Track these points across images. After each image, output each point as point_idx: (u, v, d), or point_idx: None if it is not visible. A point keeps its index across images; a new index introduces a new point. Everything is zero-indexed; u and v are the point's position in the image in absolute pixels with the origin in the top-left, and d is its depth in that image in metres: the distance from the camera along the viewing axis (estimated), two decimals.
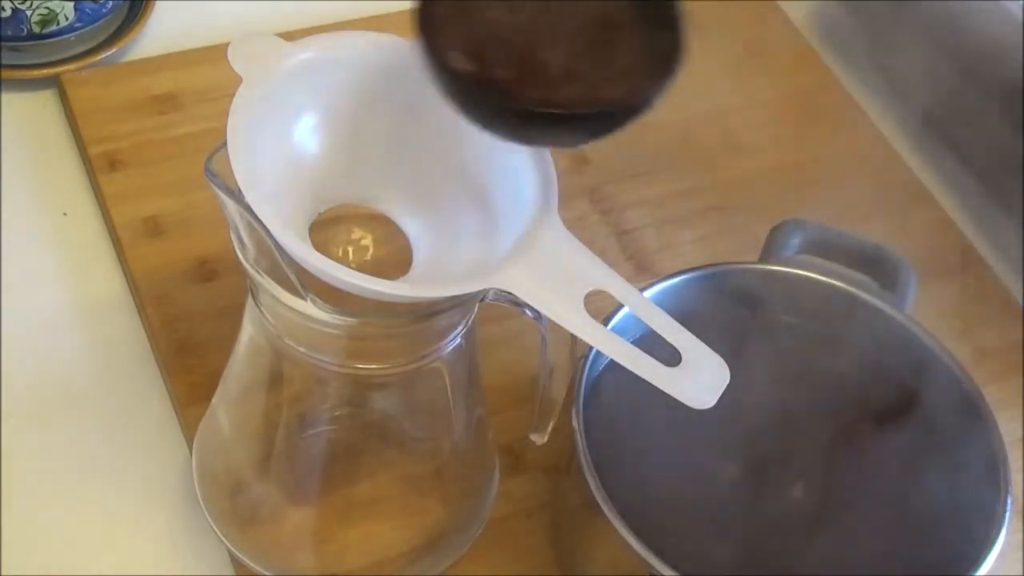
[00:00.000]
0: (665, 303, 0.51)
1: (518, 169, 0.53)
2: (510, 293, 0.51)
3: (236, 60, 0.52)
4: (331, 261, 0.48)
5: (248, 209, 0.48)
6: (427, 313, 0.52)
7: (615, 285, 0.51)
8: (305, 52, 0.52)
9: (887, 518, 0.62)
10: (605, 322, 0.57)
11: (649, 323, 0.51)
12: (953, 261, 0.82)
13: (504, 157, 0.54)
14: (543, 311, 0.50)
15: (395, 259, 0.56)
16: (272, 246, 0.48)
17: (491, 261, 0.51)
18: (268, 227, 0.48)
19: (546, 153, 0.53)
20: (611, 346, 0.50)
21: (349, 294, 0.50)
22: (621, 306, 0.57)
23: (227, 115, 0.50)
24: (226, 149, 0.49)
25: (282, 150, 0.53)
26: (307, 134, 0.54)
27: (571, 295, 0.50)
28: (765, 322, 0.65)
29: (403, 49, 0.52)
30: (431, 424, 0.60)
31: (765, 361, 0.63)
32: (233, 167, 0.48)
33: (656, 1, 0.50)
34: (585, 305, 0.50)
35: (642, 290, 0.58)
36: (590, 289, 0.50)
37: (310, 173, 0.54)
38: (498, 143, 0.51)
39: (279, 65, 0.52)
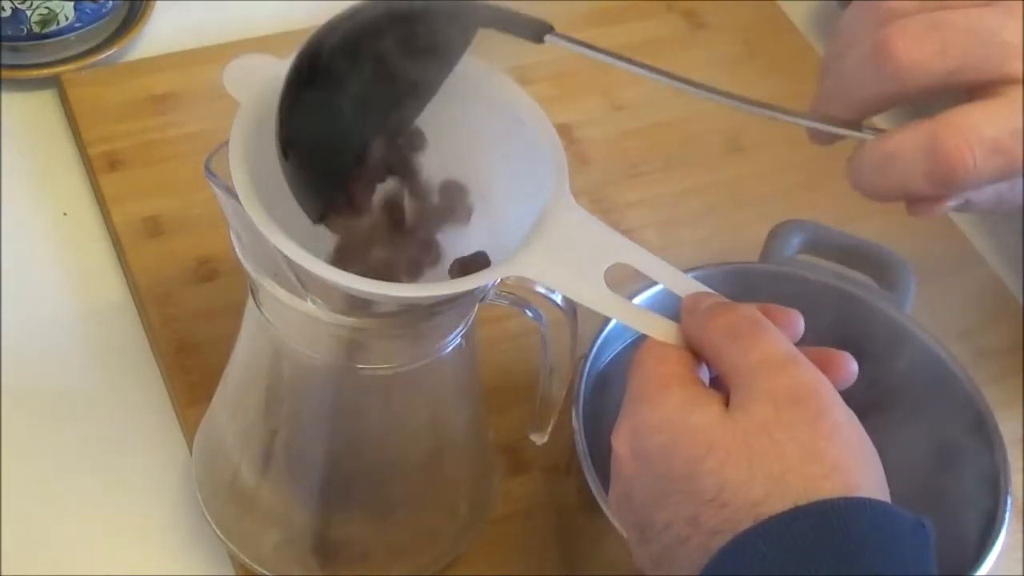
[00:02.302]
0: (666, 303, 0.51)
1: (527, 162, 0.53)
2: (512, 293, 0.51)
3: (231, 85, 0.52)
4: (332, 268, 0.48)
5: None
6: (427, 313, 0.52)
7: (636, 256, 0.50)
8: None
9: None
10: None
11: (677, 291, 0.50)
12: (953, 261, 0.82)
13: (512, 161, 0.54)
14: (563, 292, 0.50)
15: None
16: (274, 250, 0.48)
17: (501, 251, 0.51)
18: (269, 238, 0.48)
19: (555, 137, 0.53)
20: (639, 319, 0.49)
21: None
22: (634, 294, 0.57)
23: (227, 115, 0.50)
24: (226, 149, 0.49)
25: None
26: None
27: (591, 271, 0.50)
28: None
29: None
30: (431, 424, 0.60)
31: None
32: (237, 190, 0.48)
33: None
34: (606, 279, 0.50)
35: (642, 291, 0.58)
36: (610, 263, 0.50)
37: None
38: (503, 147, 0.52)
39: (274, 82, 0.52)
